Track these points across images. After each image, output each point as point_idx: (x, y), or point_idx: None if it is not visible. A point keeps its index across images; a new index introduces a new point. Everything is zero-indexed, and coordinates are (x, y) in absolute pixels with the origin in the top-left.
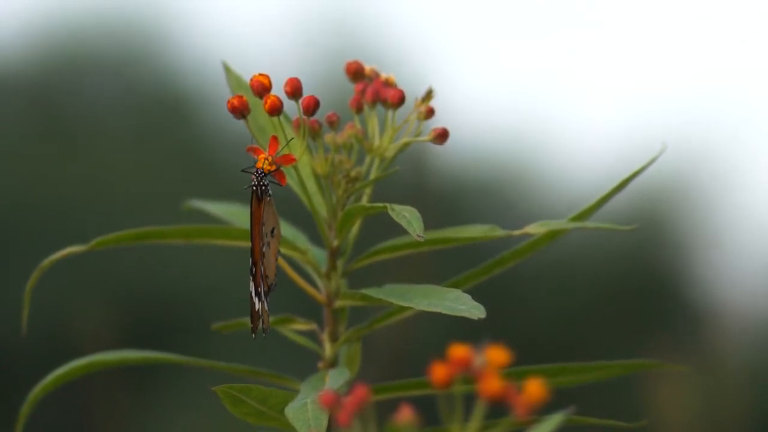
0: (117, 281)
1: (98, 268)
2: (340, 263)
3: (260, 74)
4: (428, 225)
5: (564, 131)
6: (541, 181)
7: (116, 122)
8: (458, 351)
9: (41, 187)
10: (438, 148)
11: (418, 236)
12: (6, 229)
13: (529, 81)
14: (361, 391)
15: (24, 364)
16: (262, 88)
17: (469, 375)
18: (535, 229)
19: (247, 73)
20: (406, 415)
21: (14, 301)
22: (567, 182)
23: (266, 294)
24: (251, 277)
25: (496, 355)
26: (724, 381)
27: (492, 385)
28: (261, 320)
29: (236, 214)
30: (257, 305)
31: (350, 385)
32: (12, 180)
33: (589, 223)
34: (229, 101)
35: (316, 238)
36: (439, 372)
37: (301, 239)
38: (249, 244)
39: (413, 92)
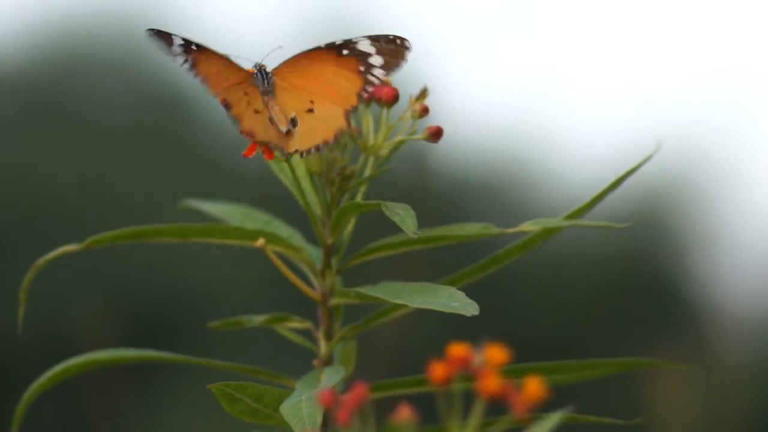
0: (114, 280)
1: (96, 267)
2: (334, 261)
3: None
4: (425, 223)
5: (562, 130)
6: (538, 179)
7: (115, 121)
8: (457, 349)
9: (40, 186)
10: (435, 146)
11: (413, 233)
12: (4, 227)
13: (527, 79)
14: (361, 389)
15: (21, 363)
16: None
17: (467, 373)
18: (529, 227)
19: None
20: (404, 413)
21: (11, 299)
22: (565, 181)
23: None
24: None
25: (495, 353)
26: (723, 379)
27: (491, 383)
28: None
29: (232, 212)
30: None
31: (345, 383)
32: (13, 180)
33: (583, 221)
34: None
35: (311, 237)
36: (437, 370)
37: (295, 237)
38: (244, 242)
39: (408, 90)
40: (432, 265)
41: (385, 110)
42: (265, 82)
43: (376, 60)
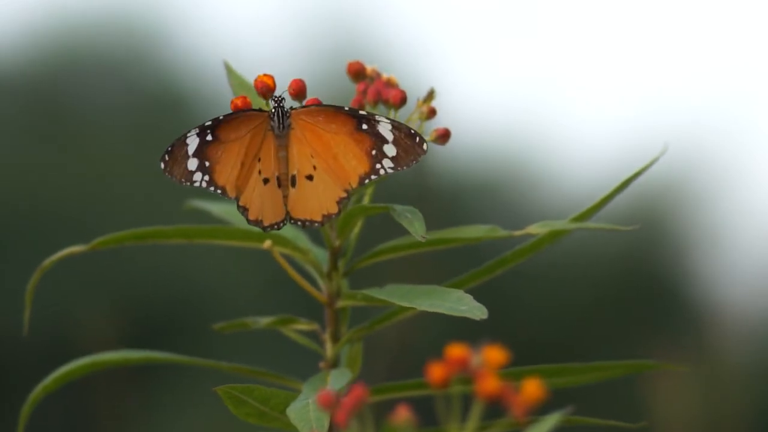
0: (119, 282)
1: (101, 268)
2: (341, 263)
3: (264, 75)
4: (430, 225)
5: (565, 131)
6: (542, 181)
7: (116, 122)
8: (455, 351)
9: (40, 186)
10: (440, 148)
11: (421, 237)
12: (7, 229)
13: (530, 81)
14: (359, 391)
15: (26, 365)
16: (266, 89)
17: (466, 375)
18: (536, 229)
19: (248, 73)
20: (403, 415)
21: (16, 301)
22: (569, 182)
23: None
24: None
25: (494, 354)
26: (724, 380)
27: (489, 385)
28: None
29: (237, 214)
30: None
31: (351, 385)
32: (13, 180)
33: (590, 224)
34: (232, 102)
35: (318, 239)
36: (436, 372)
37: (302, 239)
38: (251, 244)
39: (415, 92)
40: (437, 266)
41: (392, 112)
42: (282, 124)
43: (390, 150)
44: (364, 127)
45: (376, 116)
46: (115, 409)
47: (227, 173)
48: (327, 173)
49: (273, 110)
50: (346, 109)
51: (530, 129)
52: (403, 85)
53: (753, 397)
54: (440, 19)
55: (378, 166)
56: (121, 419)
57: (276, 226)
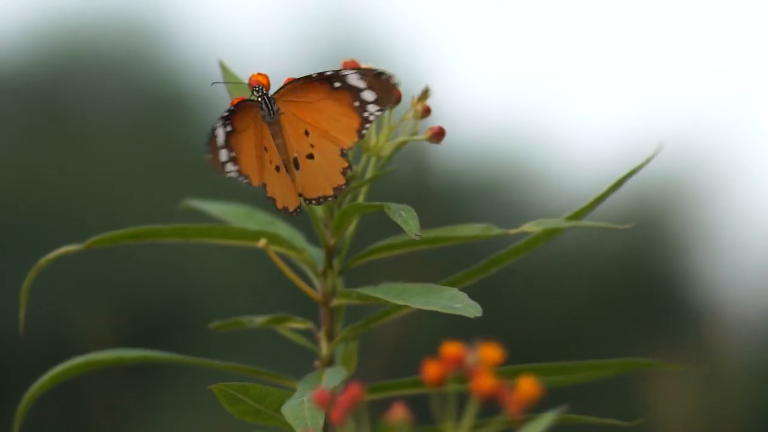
0: (119, 281)
1: (101, 268)
2: (336, 262)
3: (259, 74)
4: (426, 224)
5: (565, 131)
6: (538, 179)
7: (116, 122)
8: (451, 349)
9: (40, 186)
10: (436, 147)
11: (415, 235)
12: (7, 229)
13: (530, 81)
14: (355, 390)
15: (22, 364)
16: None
17: (462, 373)
18: (531, 227)
19: (246, 72)
20: (398, 413)
21: (16, 301)
22: (568, 182)
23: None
24: None
25: (489, 353)
26: (723, 380)
27: (484, 383)
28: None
29: (234, 213)
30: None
31: (346, 384)
32: (13, 180)
33: (585, 222)
34: (232, 103)
35: (313, 237)
36: (431, 370)
37: (297, 238)
38: (246, 243)
39: (410, 91)
40: (433, 265)
41: (388, 111)
42: (271, 112)
43: (369, 95)
44: (337, 85)
45: (341, 71)
46: (115, 408)
47: (248, 163)
48: (325, 144)
49: (259, 99)
50: (314, 75)
51: (530, 129)
52: (403, 85)
53: (753, 397)
54: (440, 19)
55: (366, 114)
56: (120, 419)
57: (299, 210)
